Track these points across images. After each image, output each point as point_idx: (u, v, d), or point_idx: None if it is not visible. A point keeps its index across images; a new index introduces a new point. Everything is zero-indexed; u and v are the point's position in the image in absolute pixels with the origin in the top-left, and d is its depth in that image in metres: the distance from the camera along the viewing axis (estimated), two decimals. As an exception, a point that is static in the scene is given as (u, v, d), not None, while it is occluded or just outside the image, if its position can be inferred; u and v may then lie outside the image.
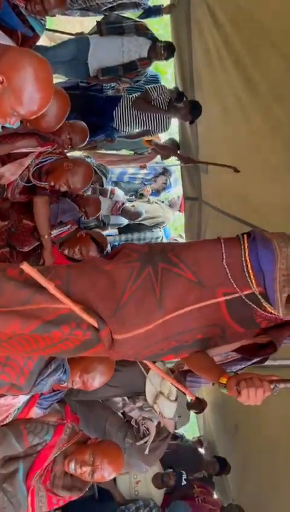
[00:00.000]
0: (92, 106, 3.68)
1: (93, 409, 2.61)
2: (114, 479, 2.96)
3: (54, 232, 2.67)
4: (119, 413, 2.75)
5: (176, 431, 4.80)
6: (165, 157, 4.48)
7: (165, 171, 5.17)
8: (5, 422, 1.99)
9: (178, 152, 4.20)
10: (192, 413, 4.58)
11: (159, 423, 2.66)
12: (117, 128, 3.74)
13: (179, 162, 4.63)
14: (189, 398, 4.16)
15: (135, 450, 2.58)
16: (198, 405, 4.20)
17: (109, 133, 3.78)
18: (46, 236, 2.49)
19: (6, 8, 2.38)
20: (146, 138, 4.20)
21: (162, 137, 4.72)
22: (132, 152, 4.86)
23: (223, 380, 1.43)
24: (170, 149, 4.24)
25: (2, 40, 1.55)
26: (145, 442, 2.57)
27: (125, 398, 2.79)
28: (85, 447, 2.08)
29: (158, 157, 4.69)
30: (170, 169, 5.20)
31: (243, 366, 1.84)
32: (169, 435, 2.76)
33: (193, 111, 3.60)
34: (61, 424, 2.17)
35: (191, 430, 5.79)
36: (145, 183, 5.22)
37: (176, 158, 4.37)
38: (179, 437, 4.79)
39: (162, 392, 2.57)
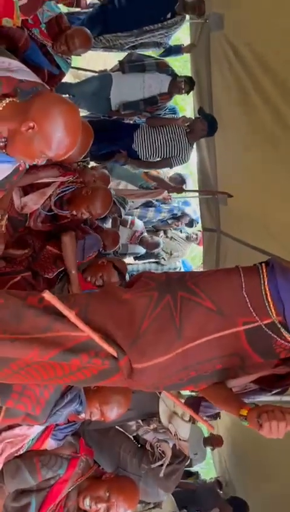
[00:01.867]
0: (114, 126, 3.80)
1: (107, 435, 2.56)
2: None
3: None
4: (131, 437, 2.68)
5: (191, 468, 4.65)
6: (171, 191, 4.55)
7: (182, 216, 5.25)
8: (18, 453, 1.95)
9: (183, 187, 4.40)
10: (208, 450, 4.44)
11: (174, 445, 2.58)
12: (137, 150, 3.79)
13: (196, 194, 4.73)
14: (206, 432, 4.06)
15: (152, 476, 2.50)
16: (215, 440, 4.09)
17: (127, 151, 3.82)
18: (73, 272, 2.54)
19: (34, 47, 2.50)
20: (144, 172, 4.28)
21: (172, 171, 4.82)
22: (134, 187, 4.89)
23: (244, 412, 1.39)
24: (165, 183, 4.36)
25: (30, 77, 1.63)
26: (161, 465, 2.49)
27: (139, 420, 2.72)
28: (100, 483, 2.03)
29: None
30: (187, 213, 5.27)
31: (262, 398, 1.79)
32: (185, 458, 2.67)
33: (210, 125, 3.65)
34: (75, 458, 2.12)
35: (207, 467, 5.58)
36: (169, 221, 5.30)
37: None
38: (193, 474, 4.62)
39: (176, 412, 2.51)
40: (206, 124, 3.65)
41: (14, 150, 1.42)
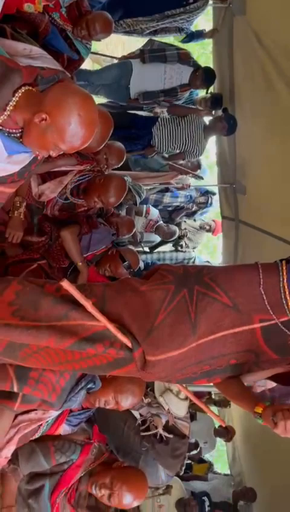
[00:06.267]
0: (133, 122, 3.78)
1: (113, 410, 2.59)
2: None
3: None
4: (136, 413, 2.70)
5: (203, 456, 4.68)
6: (184, 173, 4.51)
7: (208, 193, 5.16)
8: (33, 437, 1.99)
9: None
10: (221, 442, 4.44)
11: (168, 422, 2.57)
12: (154, 144, 3.81)
13: (215, 182, 4.67)
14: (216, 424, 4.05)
15: (152, 454, 2.52)
16: (226, 433, 4.08)
17: (146, 146, 3.85)
18: (80, 264, 2.54)
19: (54, 32, 2.46)
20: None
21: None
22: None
23: (259, 410, 1.40)
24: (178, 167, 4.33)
25: (51, 64, 1.61)
26: (159, 439, 2.50)
27: None
28: (108, 470, 2.06)
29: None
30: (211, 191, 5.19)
31: None
32: (186, 438, 2.67)
33: (230, 127, 3.68)
34: (88, 444, 2.16)
35: (217, 454, 5.62)
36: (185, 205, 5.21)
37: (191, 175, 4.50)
38: (206, 461, 4.64)
39: (171, 389, 2.51)
40: (226, 125, 3.68)
41: (28, 141, 1.39)
